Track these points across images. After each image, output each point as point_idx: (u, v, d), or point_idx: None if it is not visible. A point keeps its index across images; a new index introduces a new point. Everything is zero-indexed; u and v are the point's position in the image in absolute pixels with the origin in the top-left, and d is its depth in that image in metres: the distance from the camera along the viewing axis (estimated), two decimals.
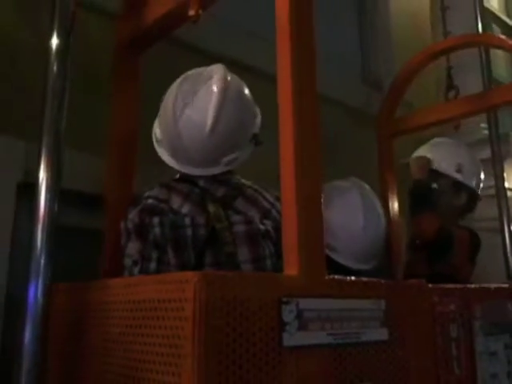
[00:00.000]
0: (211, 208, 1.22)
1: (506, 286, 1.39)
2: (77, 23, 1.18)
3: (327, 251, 1.42)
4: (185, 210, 1.21)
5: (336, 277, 0.92)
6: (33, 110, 1.21)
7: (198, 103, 1.26)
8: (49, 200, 1.02)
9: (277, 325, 0.80)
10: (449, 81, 2.27)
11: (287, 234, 0.88)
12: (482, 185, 2.03)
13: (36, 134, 1.08)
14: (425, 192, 1.89)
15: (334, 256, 1.49)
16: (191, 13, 1.29)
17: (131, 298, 0.87)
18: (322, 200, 0.94)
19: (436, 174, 1.95)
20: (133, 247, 1.17)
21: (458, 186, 1.93)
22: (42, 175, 1.03)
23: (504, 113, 2.92)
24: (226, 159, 1.27)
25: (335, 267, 1.39)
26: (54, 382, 1.07)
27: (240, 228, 1.21)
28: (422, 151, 2.07)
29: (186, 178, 1.30)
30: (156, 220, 1.16)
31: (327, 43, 2.51)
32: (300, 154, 0.92)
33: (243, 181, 1.34)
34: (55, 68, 1.11)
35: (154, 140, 1.37)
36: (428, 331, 1.08)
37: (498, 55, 2.90)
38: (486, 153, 2.51)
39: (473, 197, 1.96)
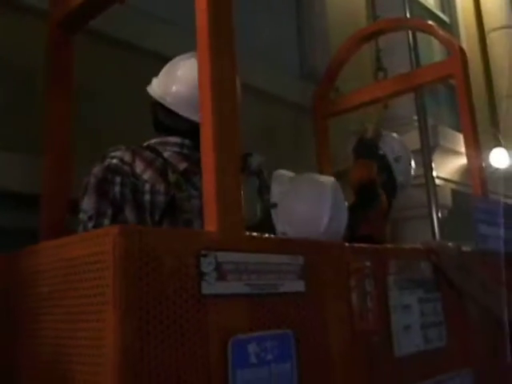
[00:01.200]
0: (172, 178, 1.30)
1: (420, 246, 1.51)
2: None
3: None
4: (146, 175, 1.28)
5: (254, 234, 1.01)
6: None
7: None
8: None
9: (196, 275, 0.87)
10: (378, 63, 2.40)
11: (207, 194, 0.95)
12: (409, 181, 2.15)
13: None
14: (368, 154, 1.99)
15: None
16: None
17: (61, 257, 0.92)
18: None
19: (379, 156, 2.04)
20: (88, 202, 1.24)
21: (391, 177, 2.03)
22: None
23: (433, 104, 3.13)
24: None
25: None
26: None
27: (196, 202, 1.30)
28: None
29: (152, 148, 1.36)
30: (118, 179, 1.24)
31: (265, 41, 2.57)
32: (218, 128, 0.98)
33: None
34: None
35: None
36: (344, 285, 1.17)
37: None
38: (417, 143, 2.68)
39: (394, 187, 2.06)
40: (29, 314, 1.00)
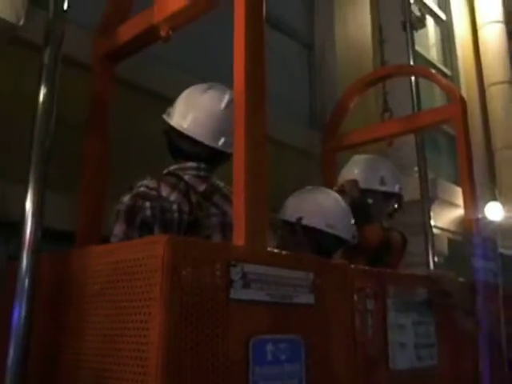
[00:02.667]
0: (194, 199, 1.47)
1: (418, 273, 1.67)
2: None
3: (326, 229, 1.73)
4: (173, 197, 1.45)
5: (275, 250, 1.17)
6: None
7: None
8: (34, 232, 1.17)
9: (226, 282, 1.03)
10: (384, 104, 2.59)
11: (237, 216, 1.12)
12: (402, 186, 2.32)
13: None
14: (362, 208, 2.16)
15: (332, 231, 1.75)
16: (162, 33, 1.54)
17: (110, 260, 1.08)
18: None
19: (366, 191, 2.23)
20: (119, 228, 1.40)
21: (387, 195, 2.23)
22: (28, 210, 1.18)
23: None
24: None
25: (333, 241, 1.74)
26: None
27: (214, 219, 1.49)
28: (346, 172, 2.33)
29: (172, 173, 1.53)
30: (147, 204, 1.41)
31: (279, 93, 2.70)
32: (250, 158, 1.16)
33: (218, 181, 1.59)
34: (41, 117, 1.25)
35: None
36: (348, 302, 1.33)
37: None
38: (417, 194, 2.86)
39: (399, 199, 2.26)
40: (76, 309, 1.15)
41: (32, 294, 1.13)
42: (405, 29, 2.93)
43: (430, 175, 3.00)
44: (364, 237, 2.10)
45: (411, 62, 2.72)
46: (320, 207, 1.80)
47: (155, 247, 0.97)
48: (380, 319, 1.43)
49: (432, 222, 2.86)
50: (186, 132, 1.53)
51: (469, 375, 1.73)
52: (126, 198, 1.45)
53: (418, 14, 3.28)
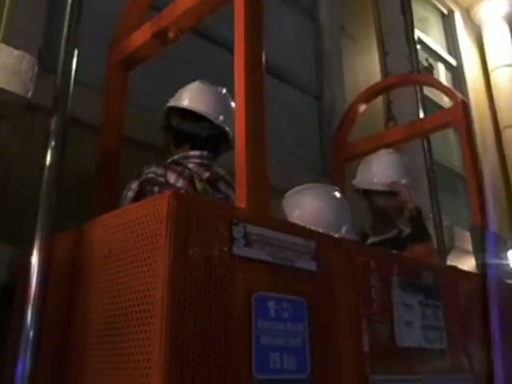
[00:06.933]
0: (199, 185, 1.54)
1: (423, 259, 1.70)
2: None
3: None
4: (179, 184, 1.54)
5: (276, 216, 1.23)
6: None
7: None
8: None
9: (228, 239, 1.09)
10: (389, 113, 2.67)
11: (239, 178, 1.19)
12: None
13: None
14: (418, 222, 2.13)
15: None
16: (171, 35, 1.66)
17: (117, 223, 1.15)
18: None
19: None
20: None
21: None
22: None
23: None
24: None
25: None
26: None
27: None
28: (388, 171, 2.24)
29: (177, 162, 1.62)
30: (156, 188, 1.48)
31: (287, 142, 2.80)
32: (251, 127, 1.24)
33: (220, 169, 1.67)
34: (48, 181, 1.27)
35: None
36: (350, 274, 1.37)
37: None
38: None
39: None
40: (89, 272, 1.21)
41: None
42: None
43: (446, 222, 2.96)
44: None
45: (421, 113, 2.76)
46: None
47: (160, 202, 1.04)
48: (385, 295, 1.45)
49: None
50: (188, 107, 1.65)
51: (481, 364, 1.72)
52: (135, 185, 1.53)
53: (425, 64, 3.34)
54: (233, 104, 1.70)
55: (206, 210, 1.07)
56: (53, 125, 1.32)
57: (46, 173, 1.28)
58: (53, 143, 1.31)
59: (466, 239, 3.16)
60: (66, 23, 1.44)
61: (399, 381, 1.39)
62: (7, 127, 1.65)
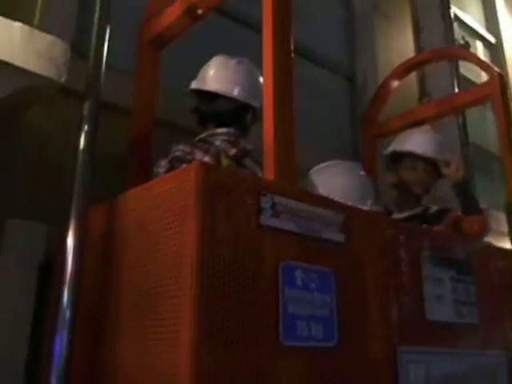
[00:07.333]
0: (224, 162, 1.57)
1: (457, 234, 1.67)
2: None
3: None
4: (206, 160, 1.55)
5: (305, 189, 1.24)
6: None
7: None
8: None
9: (256, 209, 1.11)
10: (423, 89, 2.62)
11: (267, 150, 1.20)
12: None
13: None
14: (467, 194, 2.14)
15: None
16: (199, 11, 1.67)
17: (148, 196, 1.18)
18: None
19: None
20: None
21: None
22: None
23: None
24: None
25: None
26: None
27: None
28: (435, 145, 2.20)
29: (204, 140, 1.65)
30: (184, 166, 1.51)
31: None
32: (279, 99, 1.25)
33: (249, 145, 1.69)
34: (82, 164, 1.32)
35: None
36: (380, 247, 1.36)
37: None
38: None
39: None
40: (122, 244, 1.25)
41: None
42: None
43: (482, 204, 2.89)
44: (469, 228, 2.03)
45: (456, 90, 2.65)
46: None
47: (189, 173, 1.06)
48: (414, 269, 1.44)
49: None
50: (203, 88, 1.68)
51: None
52: (164, 162, 1.57)
53: (461, 42, 3.23)
54: (252, 71, 1.71)
55: (234, 180, 1.09)
56: (85, 109, 1.37)
57: (79, 156, 1.34)
58: (86, 127, 1.36)
59: (502, 221, 3.08)
60: (97, 7, 1.49)
61: (428, 353, 1.38)
62: (42, 111, 1.71)
